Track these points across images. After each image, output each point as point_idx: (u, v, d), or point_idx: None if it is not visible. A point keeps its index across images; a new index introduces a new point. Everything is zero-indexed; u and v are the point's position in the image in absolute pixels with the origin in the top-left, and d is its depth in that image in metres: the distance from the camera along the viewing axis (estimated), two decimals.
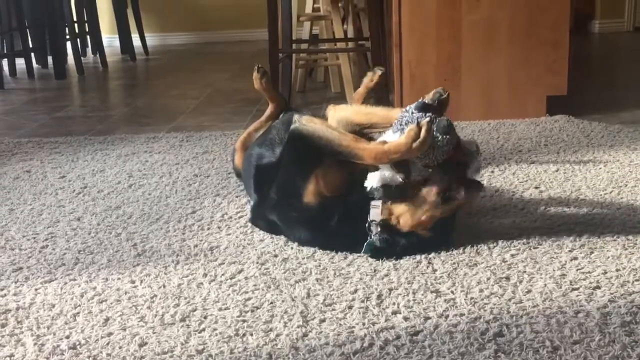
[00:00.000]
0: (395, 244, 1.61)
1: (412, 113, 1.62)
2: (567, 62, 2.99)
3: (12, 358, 1.27)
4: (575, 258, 1.57)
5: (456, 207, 1.63)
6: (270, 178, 1.78)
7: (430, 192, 1.59)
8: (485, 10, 2.94)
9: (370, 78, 2.15)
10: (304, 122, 1.71)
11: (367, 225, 1.63)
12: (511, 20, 2.96)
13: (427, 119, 1.57)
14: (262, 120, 2.21)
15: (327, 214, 1.66)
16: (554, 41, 2.96)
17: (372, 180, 1.61)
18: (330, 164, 1.66)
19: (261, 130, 2.13)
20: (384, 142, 1.59)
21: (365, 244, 1.63)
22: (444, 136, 1.57)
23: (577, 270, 1.52)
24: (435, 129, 1.56)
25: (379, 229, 1.61)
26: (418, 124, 1.56)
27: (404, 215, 1.61)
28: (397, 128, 1.63)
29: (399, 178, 1.59)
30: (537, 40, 2.96)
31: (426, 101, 1.64)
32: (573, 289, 1.43)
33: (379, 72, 2.14)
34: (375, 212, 1.63)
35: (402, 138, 1.56)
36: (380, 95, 3.16)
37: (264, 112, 2.28)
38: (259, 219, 1.84)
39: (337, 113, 1.84)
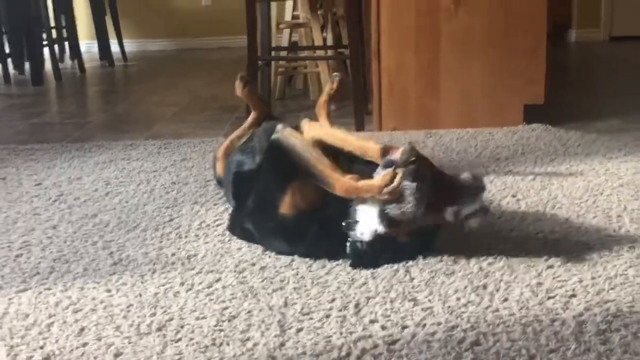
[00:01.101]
0: (374, 247, 1.60)
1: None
2: (545, 71, 3.02)
3: None
4: (552, 266, 1.58)
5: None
6: (249, 186, 1.78)
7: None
8: (463, 20, 2.96)
9: (330, 86, 2.16)
10: (285, 134, 1.71)
11: (345, 224, 1.62)
12: (489, 29, 2.98)
13: (403, 170, 1.55)
14: (244, 127, 2.20)
15: (302, 226, 1.66)
16: (531, 50, 2.99)
17: (365, 232, 1.59)
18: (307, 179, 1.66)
19: (243, 137, 2.13)
20: (358, 178, 1.59)
21: (348, 244, 1.62)
22: (412, 183, 1.54)
23: (553, 278, 1.52)
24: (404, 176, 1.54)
25: (359, 232, 1.61)
26: (395, 168, 1.55)
27: None
28: None
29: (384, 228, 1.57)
30: (515, 49, 2.99)
31: (393, 159, 1.60)
32: (549, 298, 1.44)
33: (337, 79, 2.15)
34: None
35: (377, 179, 1.56)
36: (359, 103, 3.17)
37: (243, 120, 2.28)
38: (236, 226, 1.83)
39: (311, 131, 1.80)
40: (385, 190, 1.54)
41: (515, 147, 2.69)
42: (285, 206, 1.66)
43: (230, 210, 1.96)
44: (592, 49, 6.32)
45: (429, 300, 1.45)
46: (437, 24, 2.97)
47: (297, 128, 1.87)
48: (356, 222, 1.61)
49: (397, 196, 1.54)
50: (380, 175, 1.57)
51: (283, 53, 4.18)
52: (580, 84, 4.47)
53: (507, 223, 1.88)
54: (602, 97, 3.92)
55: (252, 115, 2.23)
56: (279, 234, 1.69)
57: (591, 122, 3.12)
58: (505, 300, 1.44)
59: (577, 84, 4.44)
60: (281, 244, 1.69)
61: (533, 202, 2.04)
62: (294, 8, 4.20)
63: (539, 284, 1.50)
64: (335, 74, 2.21)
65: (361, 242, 1.61)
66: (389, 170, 1.56)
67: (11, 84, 5.01)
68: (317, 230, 1.64)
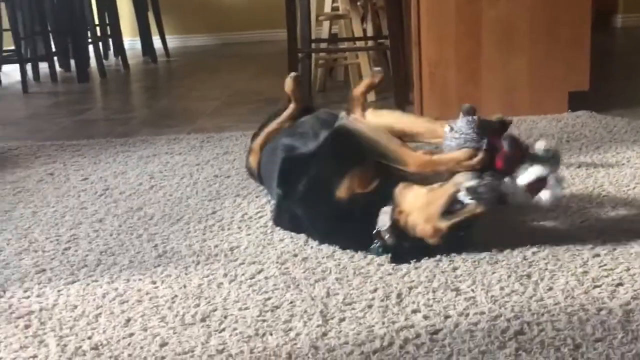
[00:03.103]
0: (402, 251, 1.60)
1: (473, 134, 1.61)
2: (589, 56, 2.96)
3: (35, 359, 1.29)
4: (598, 255, 1.56)
5: (464, 219, 1.55)
6: (299, 171, 1.79)
7: (440, 196, 1.57)
8: (505, 7, 2.92)
9: (371, 80, 2.14)
10: (351, 119, 1.76)
11: (374, 232, 1.63)
12: (531, 16, 2.93)
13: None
14: (281, 120, 2.20)
15: (354, 208, 1.67)
16: (576, 36, 2.93)
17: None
18: (368, 163, 1.68)
19: (281, 130, 2.13)
20: (431, 153, 1.61)
21: (370, 248, 1.64)
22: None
23: (599, 267, 1.50)
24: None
25: (387, 236, 1.61)
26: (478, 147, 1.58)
27: (413, 214, 1.58)
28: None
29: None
30: (558, 35, 2.93)
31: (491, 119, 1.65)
32: (595, 286, 1.42)
33: (379, 75, 2.12)
34: (384, 219, 1.62)
35: (456, 153, 1.58)
36: (400, 94, 3.16)
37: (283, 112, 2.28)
38: (283, 215, 1.84)
39: (377, 119, 1.86)
40: (465, 163, 1.55)
41: (559, 135, 2.64)
42: (343, 190, 1.68)
43: (273, 202, 1.97)
44: (638, 34, 6.17)
45: (472, 290, 1.44)
46: (478, 12, 2.93)
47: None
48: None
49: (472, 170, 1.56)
50: (461, 150, 1.59)
51: (323, 45, 4.17)
52: (626, 69, 4.37)
53: (551, 211, 1.85)
54: None
55: (291, 108, 2.22)
56: (330, 217, 1.70)
57: (638, 108, 3.05)
58: (550, 289, 1.42)
59: (623, 70, 4.34)
60: (329, 226, 1.70)
61: (578, 191, 2.01)
62: (334, 0, 4.18)
63: (585, 272, 1.48)
64: (377, 68, 2.19)
65: (388, 244, 1.62)
66: (470, 150, 1.58)
67: (57, 82, 5.11)
68: (365, 211, 1.65)
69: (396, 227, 1.60)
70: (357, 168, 1.68)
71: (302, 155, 1.83)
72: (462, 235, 1.59)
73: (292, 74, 2.22)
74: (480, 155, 1.56)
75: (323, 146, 1.78)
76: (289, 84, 2.19)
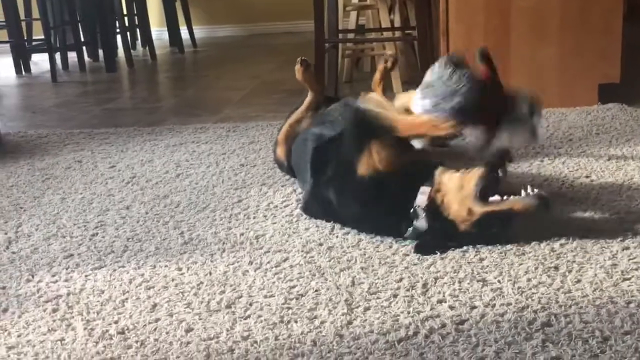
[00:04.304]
0: (437, 232, 1.60)
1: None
2: (620, 48, 2.91)
3: (62, 342, 1.30)
4: (627, 248, 1.54)
5: (503, 210, 1.56)
6: (329, 157, 1.80)
7: (471, 178, 1.59)
8: None
9: (384, 65, 2.18)
10: (365, 99, 1.84)
11: (412, 210, 1.62)
12: (562, 6, 2.89)
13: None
14: (302, 110, 2.19)
15: (379, 189, 1.67)
16: (607, 28, 2.89)
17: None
18: (388, 139, 1.69)
19: (303, 121, 2.13)
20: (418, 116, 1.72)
21: (411, 228, 1.62)
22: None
23: (628, 259, 1.48)
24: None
25: (424, 214, 1.61)
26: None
27: (448, 194, 1.60)
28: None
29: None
30: (589, 27, 2.89)
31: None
32: (624, 279, 1.40)
33: (391, 60, 2.20)
34: (422, 198, 1.62)
35: (429, 117, 1.68)
36: None
37: None
38: (314, 202, 1.83)
39: (399, 101, 1.95)
40: (440, 127, 1.65)
41: (589, 127, 2.61)
42: (363, 167, 1.68)
43: (301, 192, 1.97)
44: None
45: (499, 281, 1.42)
46: (507, 2, 2.90)
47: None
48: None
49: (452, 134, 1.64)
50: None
51: (350, 36, 4.16)
52: None
53: (580, 204, 1.83)
54: None
55: (309, 98, 2.21)
56: (357, 197, 1.71)
57: None
58: (578, 281, 1.40)
59: None
60: (358, 208, 1.71)
61: (608, 183, 1.98)
62: None
63: (614, 265, 1.46)
64: (389, 52, 2.22)
65: (426, 224, 1.61)
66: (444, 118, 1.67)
67: (86, 71, 5.15)
68: (393, 195, 1.66)
69: (433, 204, 1.61)
70: (373, 142, 1.69)
71: (329, 138, 1.85)
72: (494, 232, 1.58)
73: (299, 58, 2.20)
74: (450, 123, 1.63)
75: (344, 128, 1.82)
76: (298, 69, 2.18)
